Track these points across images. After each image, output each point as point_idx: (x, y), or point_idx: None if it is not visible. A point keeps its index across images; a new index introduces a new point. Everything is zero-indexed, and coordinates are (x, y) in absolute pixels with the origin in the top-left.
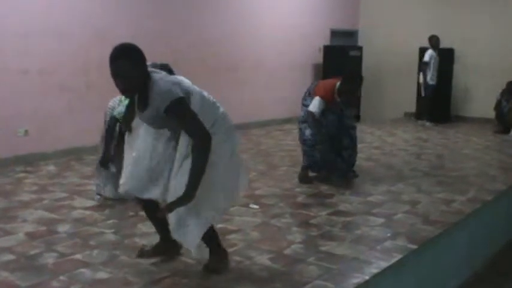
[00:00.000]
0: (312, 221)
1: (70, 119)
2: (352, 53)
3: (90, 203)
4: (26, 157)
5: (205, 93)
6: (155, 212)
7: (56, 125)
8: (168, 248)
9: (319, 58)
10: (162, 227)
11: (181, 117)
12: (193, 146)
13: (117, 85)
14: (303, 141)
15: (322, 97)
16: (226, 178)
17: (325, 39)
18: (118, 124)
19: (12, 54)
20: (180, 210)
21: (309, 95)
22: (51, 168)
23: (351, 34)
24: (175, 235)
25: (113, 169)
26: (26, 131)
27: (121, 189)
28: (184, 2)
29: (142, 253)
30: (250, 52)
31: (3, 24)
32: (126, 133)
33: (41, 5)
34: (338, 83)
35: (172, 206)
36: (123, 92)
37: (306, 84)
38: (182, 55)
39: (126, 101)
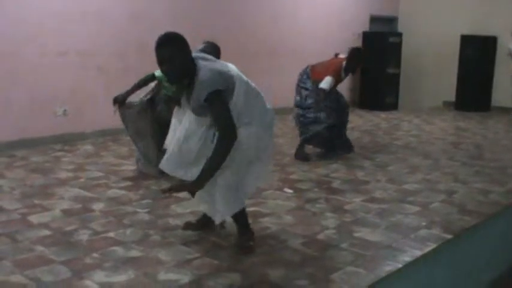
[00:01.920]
0: (347, 207)
1: (108, 100)
2: (392, 39)
3: (125, 182)
4: (64, 136)
5: (252, 84)
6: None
7: (93, 105)
8: (211, 222)
9: (357, 44)
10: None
11: (215, 108)
12: (217, 139)
13: (163, 72)
14: (308, 118)
15: (333, 76)
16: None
17: (364, 25)
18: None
19: (51, 36)
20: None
21: (307, 77)
22: (88, 147)
23: (391, 20)
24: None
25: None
26: (65, 111)
27: (162, 166)
28: None
29: (188, 225)
30: (289, 37)
31: (43, 6)
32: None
33: None
34: (344, 62)
35: (179, 189)
36: (169, 79)
37: None
38: (220, 39)
39: None
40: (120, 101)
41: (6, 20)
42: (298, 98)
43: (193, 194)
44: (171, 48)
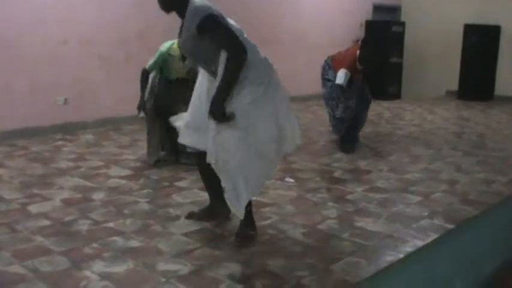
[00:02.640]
0: (348, 197)
1: (109, 89)
2: (395, 28)
3: (126, 172)
4: (65, 126)
5: (245, 34)
6: (210, 172)
7: (95, 94)
8: (215, 212)
9: (360, 34)
10: (213, 190)
11: (214, 31)
12: (227, 58)
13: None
14: (336, 117)
15: (347, 68)
16: (270, 138)
17: (367, 14)
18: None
19: (53, 23)
20: (234, 175)
21: (329, 68)
22: (89, 137)
23: (394, 9)
24: (227, 200)
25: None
26: (66, 100)
27: (181, 141)
28: None
29: (191, 215)
30: (291, 25)
31: None
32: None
33: None
34: (358, 51)
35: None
36: (163, 6)
37: None
38: None
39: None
40: (143, 106)
41: (8, 5)
42: (324, 90)
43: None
44: None
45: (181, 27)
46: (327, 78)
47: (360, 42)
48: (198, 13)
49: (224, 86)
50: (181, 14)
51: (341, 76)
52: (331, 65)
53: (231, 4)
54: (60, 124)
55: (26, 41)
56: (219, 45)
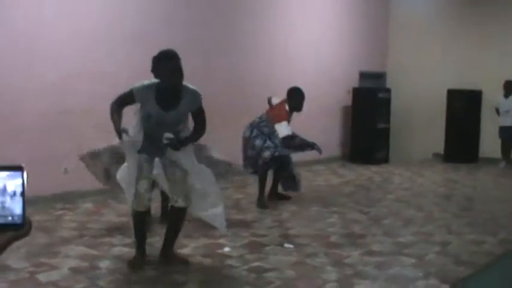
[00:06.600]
0: (346, 261)
1: None
2: (381, 94)
3: (129, 240)
4: (65, 195)
5: None
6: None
7: None
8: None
9: (348, 101)
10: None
11: (202, 111)
12: (202, 127)
13: (175, 79)
14: (264, 161)
15: (287, 120)
16: None
17: (354, 82)
18: None
19: (53, 93)
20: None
21: (266, 125)
22: (89, 205)
23: (380, 76)
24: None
25: None
26: (65, 169)
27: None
28: (212, 43)
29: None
30: (282, 95)
31: (52, 66)
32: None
33: (80, 50)
34: (286, 104)
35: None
36: (179, 85)
37: (336, 127)
38: (211, 97)
39: None
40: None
41: (7, 75)
42: (259, 141)
43: None
44: (180, 60)
45: (167, 101)
46: (263, 132)
47: (272, 99)
48: (198, 95)
49: (192, 140)
50: (178, 91)
51: (286, 128)
52: (268, 120)
53: (220, 74)
54: (59, 193)
55: (26, 110)
56: (198, 119)
